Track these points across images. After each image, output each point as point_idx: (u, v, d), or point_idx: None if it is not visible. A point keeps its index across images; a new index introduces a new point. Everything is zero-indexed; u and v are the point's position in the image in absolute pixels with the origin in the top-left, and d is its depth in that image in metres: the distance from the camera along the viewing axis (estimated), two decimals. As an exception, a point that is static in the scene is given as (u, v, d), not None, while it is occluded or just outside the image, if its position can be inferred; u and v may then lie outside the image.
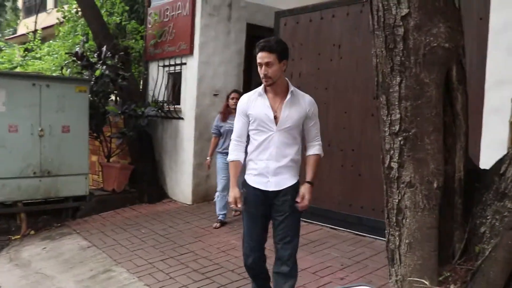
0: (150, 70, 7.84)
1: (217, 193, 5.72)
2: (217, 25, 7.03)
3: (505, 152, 3.37)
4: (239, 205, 3.03)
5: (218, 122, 5.68)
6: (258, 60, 2.91)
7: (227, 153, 5.46)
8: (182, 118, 7.12)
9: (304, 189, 2.98)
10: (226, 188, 5.51)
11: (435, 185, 2.24)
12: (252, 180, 3.05)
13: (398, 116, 2.28)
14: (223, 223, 5.73)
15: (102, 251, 5.04)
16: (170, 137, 7.39)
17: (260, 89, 3.05)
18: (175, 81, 7.49)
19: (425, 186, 2.24)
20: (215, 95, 7.04)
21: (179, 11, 7.13)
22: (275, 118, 2.96)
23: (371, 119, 4.99)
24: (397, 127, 2.29)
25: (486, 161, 2.75)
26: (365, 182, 5.03)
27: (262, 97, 3.03)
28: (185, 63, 7.08)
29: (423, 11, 2.15)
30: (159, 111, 7.20)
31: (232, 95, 5.70)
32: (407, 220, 2.27)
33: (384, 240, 4.69)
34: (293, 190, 3.00)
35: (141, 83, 8.12)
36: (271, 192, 2.99)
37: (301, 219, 3.12)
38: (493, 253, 2.12)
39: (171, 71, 7.39)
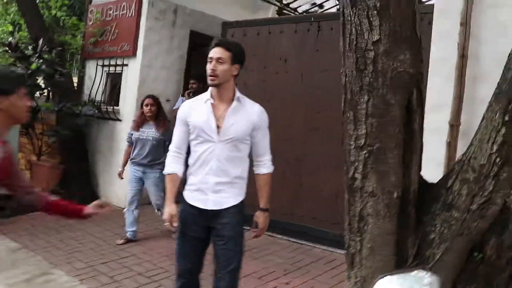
0: (87, 69, 7.64)
1: (125, 209, 5.27)
2: (161, 29, 7.04)
3: (441, 168, 3.77)
4: (175, 224, 2.71)
5: (130, 130, 5.33)
6: (210, 55, 2.67)
7: (135, 163, 5.15)
8: (120, 120, 7.02)
9: (259, 217, 2.72)
10: (134, 202, 5.17)
11: (395, 195, 2.48)
12: (190, 196, 2.76)
13: (364, 131, 2.48)
14: (129, 241, 5.21)
15: (36, 253, 4.85)
16: (105, 138, 7.24)
17: (205, 95, 2.78)
18: (114, 81, 7.37)
19: (386, 196, 2.47)
20: (167, 100, 6.98)
21: (124, 12, 7.06)
22: (218, 127, 2.68)
23: (314, 132, 5.26)
24: (362, 141, 2.49)
25: (424, 176, 3.04)
26: (306, 192, 5.28)
27: (206, 104, 2.73)
28: (126, 65, 7.01)
29: (392, 38, 2.38)
30: (96, 111, 7.04)
31: (146, 101, 5.23)
32: (369, 227, 2.48)
33: (322, 248, 4.99)
34: (237, 211, 2.73)
35: (76, 81, 7.90)
36: (210, 212, 2.70)
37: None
38: (443, 257, 2.38)
39: (110, 71, 7.27)
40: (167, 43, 7.11)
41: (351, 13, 2.39)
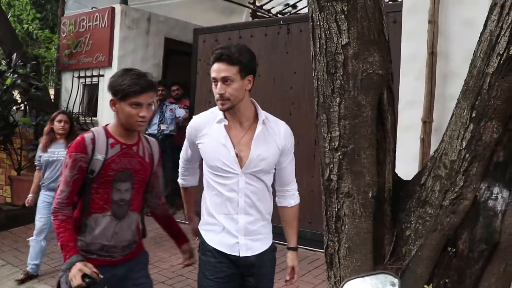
0: (63, 81, 7.59)
1: (31, 238, 4.63)
2: (135, 38, 7.04)
3: (416, 164, 3.84)
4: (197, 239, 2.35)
5: (39, 152, 4.72)
6: (212, 74, 2.14)
7: (48, 189, 4.49)
8: (99, 131, 6.98)
9: (292, 260, 2.32)
10: (44, 231, 4.57)
11: (370, 194, 2.53)
12: (215, 240, 2.25)
13: (337, 133, 2.52)
14: (30, 277, 4.60)
15: (20, 269, 4.80)
16: (85, 150, 7.19)
17: (217, 110, 2.26)
18: (91, 92, 7.34)
19: (362, 195, 2.51)
20: (133, 108, 7.01)
21: (97, 22, 7.04)
22: (237, 156, 2.20)
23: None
24: (336, 143, 2.53)
25: (399, 172, 3.11)
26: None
27: (219, 125, 2.23)
28: (102, 75, 6.98)
29: (361, 41, 2.43)
30: (75, 123, 6.99)
31: (59, 116, 4.68)
32: (346, 227, 2.53)
33: (303, 248, 5.01)
34: (273, 255, 2.35)
35: (53, 93, 7.86)
36: (241, 259, 2.22)
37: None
38: (419, 253, 2.44)
39: (87, 83, 7.23)
40: (142, 51, 7.11)
41: (320, 17, 2.43)
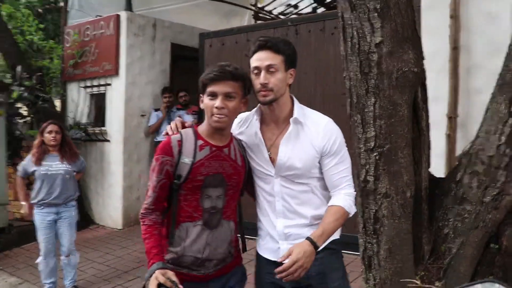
0: (69, 91, 7.53)
1: (40, 258, 4.38)
2: (142, 45, 6.97)
3: (442, 161, 3.81)
4: None
5: (28, 166, 4.34)
6: (255, 64, 1.99)
7: (45, 205, 4.26)
8: (108, 141, 6.92)
9: (295, 247, 1.86)
10: (51, 252, 4.34)
11: (408, 194, 2.49)
12: (260, 245, 2.17)
13: (373, 133, 2.49)
14: None
15: (38, 286, 4.70)
16: (94, 160, 7.12)
17: (255, 110, 2.14)
18: (98, 102, 7.27)
19: (401, 196, 2.48)
20: (142, 115, 6.96)
21: (102, 31, 6.96)
22: (271, 159, 2.05)
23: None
24: (372, 144, 2.50)
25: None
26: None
27: (256, 124, 2.10)
28: (109, 84, 6.91)
29: (395, 39, 2.40)
30: (83, 134, 6.94)
31: (50, 127, 4.37)
32: (385, 228, 2.49)
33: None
34: (326, 253, 2.03)
35: (59, 105, 7.79)
36: None
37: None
38: (461, 251, 2.41)
39: (93, 92, 7.16)
40: (149, 58, 7.05)
41: (352, 16, 2.40)
